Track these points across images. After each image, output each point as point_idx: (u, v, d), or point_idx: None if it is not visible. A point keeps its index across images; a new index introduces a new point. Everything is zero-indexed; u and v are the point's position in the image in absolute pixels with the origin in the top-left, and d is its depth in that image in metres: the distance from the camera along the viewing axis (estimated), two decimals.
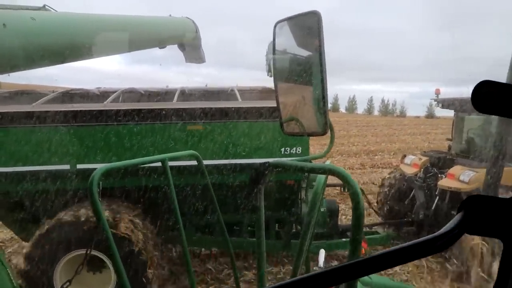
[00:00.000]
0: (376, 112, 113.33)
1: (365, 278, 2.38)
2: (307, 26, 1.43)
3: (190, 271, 2.31)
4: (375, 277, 2.46)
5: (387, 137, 31.69)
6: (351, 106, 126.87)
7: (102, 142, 5.32)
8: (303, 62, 1.54)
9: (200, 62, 7.00)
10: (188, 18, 6.42)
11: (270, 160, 1.64)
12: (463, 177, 6.61)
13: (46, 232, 4.87)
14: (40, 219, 5.19)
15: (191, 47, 6.59)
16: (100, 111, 5.32)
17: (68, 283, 3.14)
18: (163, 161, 2.16)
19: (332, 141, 2.22)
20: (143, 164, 2.17)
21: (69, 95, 6.58)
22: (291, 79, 1.64)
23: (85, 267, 4.77)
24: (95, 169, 1.77)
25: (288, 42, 1.59)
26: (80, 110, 5.31)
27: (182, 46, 6.45)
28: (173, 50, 6.18)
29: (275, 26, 1.54)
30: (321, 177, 1.55)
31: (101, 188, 1.85)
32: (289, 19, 1.49)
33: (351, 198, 1.21)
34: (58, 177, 5.24)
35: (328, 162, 2.39)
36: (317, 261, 2.72)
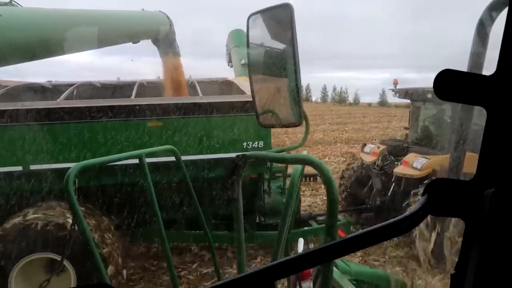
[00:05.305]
0: (329, 100, 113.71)
1: (344, 266, 2.38)
2: (280, 18, 1.39)
3: (171, 267, 2.23)
4: (354, 265, 2.46)
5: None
6: (305, 94, 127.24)
7: (58, 141, 4.81)
8: (276, 55, 1.50)
9: (175, 56, 6.76)
10: (162, 12, 6.18)
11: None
12: (416, 164, 6.77)
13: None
14: None
15: (165, 42, 6.34)
16: (53, 109, 4.84)
17: (47, 282, 2.97)
18: (140, 157, 2.05)
19: (307, 131, 2.20)
20: (119, 161, 2.04)
21: (19, 90, 6.07)
22: (265, 71, 1.59)
23: (42, 270, 4.45)
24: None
25: (262, 35, 1.54)
26: (32, 109, 4.76)
27: (156, 41, 6.20)
28: (146, 42, 5.94)
29: (248, 19, 1.48)
30: (297, 168, 1.52)
31: (77, 186, 1.73)
32: (262, 11, 1.44)
33: (325, 184, 1.23)
34: (10, 179, 4.70)
35: (304, 152, 2.38)
36: (295, 251, 2.68)
